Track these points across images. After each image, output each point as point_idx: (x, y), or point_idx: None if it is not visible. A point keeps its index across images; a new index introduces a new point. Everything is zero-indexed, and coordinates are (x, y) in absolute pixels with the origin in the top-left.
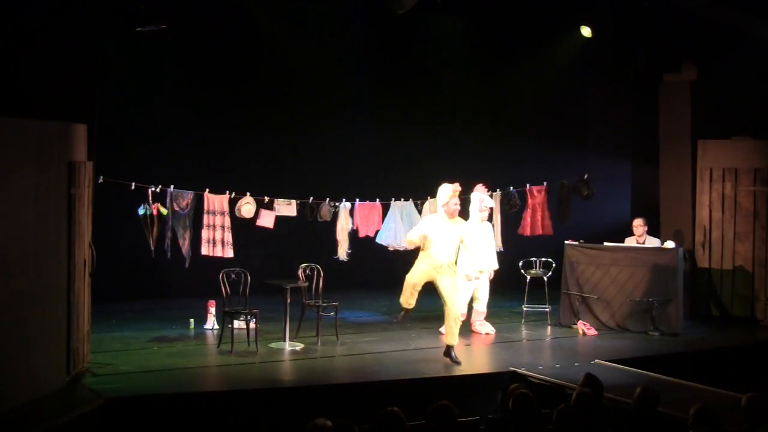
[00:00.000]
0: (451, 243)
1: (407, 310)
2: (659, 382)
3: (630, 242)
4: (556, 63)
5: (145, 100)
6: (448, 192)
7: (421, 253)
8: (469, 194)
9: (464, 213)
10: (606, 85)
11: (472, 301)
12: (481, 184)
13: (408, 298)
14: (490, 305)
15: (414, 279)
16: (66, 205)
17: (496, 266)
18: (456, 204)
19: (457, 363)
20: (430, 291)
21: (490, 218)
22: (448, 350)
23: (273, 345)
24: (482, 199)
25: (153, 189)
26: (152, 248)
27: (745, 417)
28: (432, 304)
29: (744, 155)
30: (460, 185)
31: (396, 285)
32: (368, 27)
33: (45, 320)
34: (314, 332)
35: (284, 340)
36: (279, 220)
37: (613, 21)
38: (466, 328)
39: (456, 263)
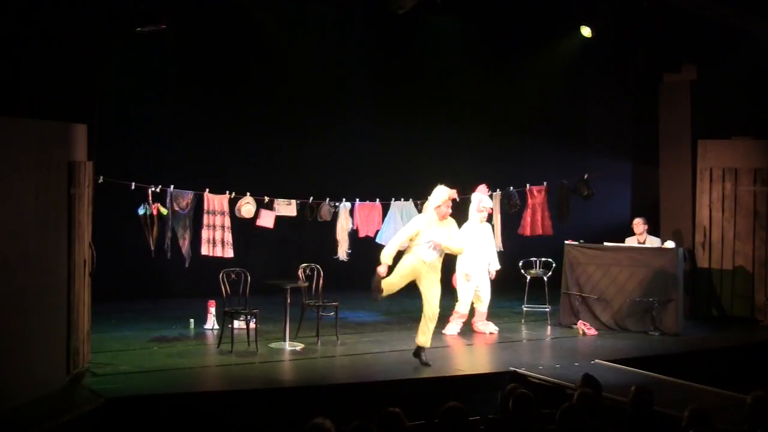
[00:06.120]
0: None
1: (381, 291)
2: (659, 382)
3: (631, 242)
4: (556, 63)
5: (145, 100)
6: (443, 196)
7: (406, 253)
8: (470, 194)
9: (465, 213)
10: (606, 85)
11: (474, 300)
12: (483, 185)
13: (380, 286)
14: (490, 305)
15: (394, 279)
16: (66, 205)
17: (498, 266)
18: (448, 207)
19: (427, 365)
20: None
21: (489, 219)
22: (418, 351)
23: (273, 345)
24: (481, 199)
25: (153, 189)
26: (152, 248)
27: (749, 416)
28: None
29: (744, 155)
30: (458, 186)
31: None
32: (368, 27)
33: (45, 320)
34: (314, 332)
35: (284, 340)
36: (279, 220)
37: (613, 21)
38: (468, 328)
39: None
